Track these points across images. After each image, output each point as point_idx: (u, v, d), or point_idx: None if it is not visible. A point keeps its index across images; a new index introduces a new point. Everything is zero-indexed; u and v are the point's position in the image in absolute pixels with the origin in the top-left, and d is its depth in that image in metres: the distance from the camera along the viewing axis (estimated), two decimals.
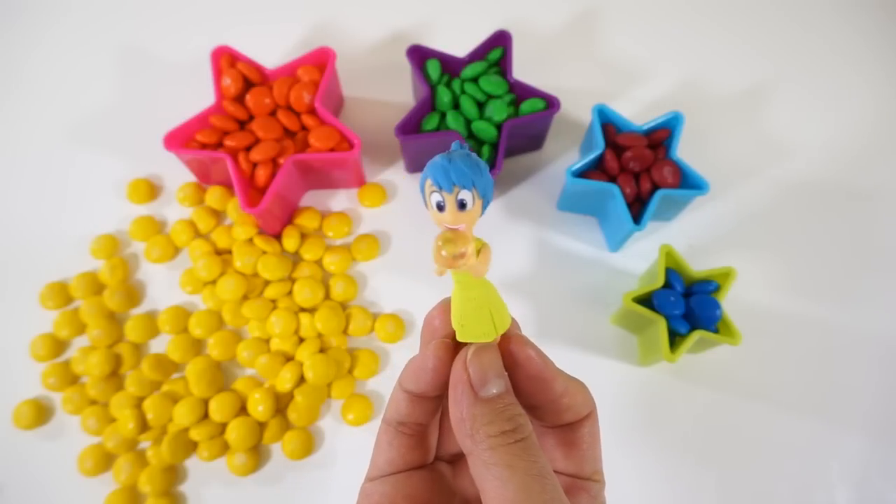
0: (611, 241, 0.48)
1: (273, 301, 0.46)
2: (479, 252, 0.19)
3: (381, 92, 0.54)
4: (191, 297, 0.47)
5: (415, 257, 0.48)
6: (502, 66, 0.48)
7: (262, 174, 0.45)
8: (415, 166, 0.51)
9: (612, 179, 0.46)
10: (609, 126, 0.47)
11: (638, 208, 0.45)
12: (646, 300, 0.43)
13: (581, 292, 0.48)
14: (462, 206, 0.18)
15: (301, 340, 0.46)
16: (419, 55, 0.48)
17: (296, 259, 0.48)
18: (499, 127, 0.46)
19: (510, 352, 0.21)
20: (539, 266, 0.49)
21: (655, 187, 0.45)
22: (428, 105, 0.47)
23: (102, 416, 0.43)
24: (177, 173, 0.49)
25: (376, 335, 0.46)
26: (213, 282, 0.47)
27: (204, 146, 0.46)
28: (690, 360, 0.45)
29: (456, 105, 0.47)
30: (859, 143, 0.53)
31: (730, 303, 0.43)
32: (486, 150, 0.46)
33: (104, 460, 0.43)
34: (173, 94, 0.51)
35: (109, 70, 0.55)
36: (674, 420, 0.45)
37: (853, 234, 0.50)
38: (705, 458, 0.44)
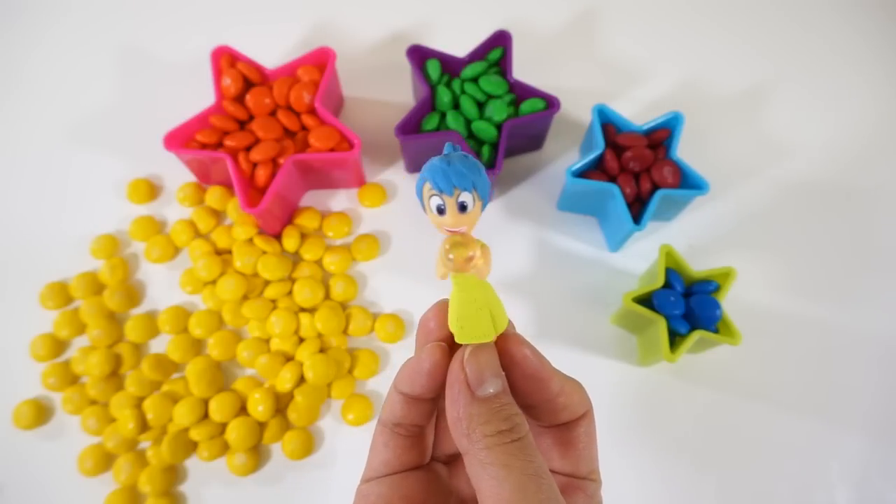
0: (611, 241, 0.48)
1: (273, 301, 0.46)
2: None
3: (381, 92, 0.54)
4: (191, 297, 0.47)
5: (415, 257, 0.48)
6: (502, 66, 0.48)
7: (262, 174, 0.45)
8: (415, 166, 0.51)
9: (612, 179, 0.46)
10: (609, 126, 0.47)
11: (638, 208, 0.45)
12: (646, 300, 0.43)
13: (581, 292, 0.48)
14: (463, 208, 0.18)
15: (301, 340, 0.46)
16: (419, 55, 0.48)
17: (296, 259, 0.48)
18: (499, 127, 0.46)
19: (506, 351, 0.21)
20: (539, 266, 0.49)
21: (655, 187, 0.45)
22: (428, 105, 0.47)
23: (102, 416, 0.43)
24: (177, 173, 0.49)
25: (376, 335, 0.46)
26: (213, 282, 0.47)
27: (204, 146, 0.46)
28: (690, 360, 0.45)
29: (456, 105, 0.47)
30: (859, 143, 0.53)
31: (730, 303, 0.43)
32: (486, 150, 0.46)
33: (104, 460, 0.43)
34: (173, 94, 0.51)
35: (109, 70, 0.55)
36: (674, 420, 0.45)
37: (853, 234, 0.50)
38: (705, 458, 0.44)
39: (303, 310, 0.46)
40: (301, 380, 0.44)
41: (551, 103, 0.46)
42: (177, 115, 0.46)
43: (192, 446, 0.43)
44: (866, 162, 0.52)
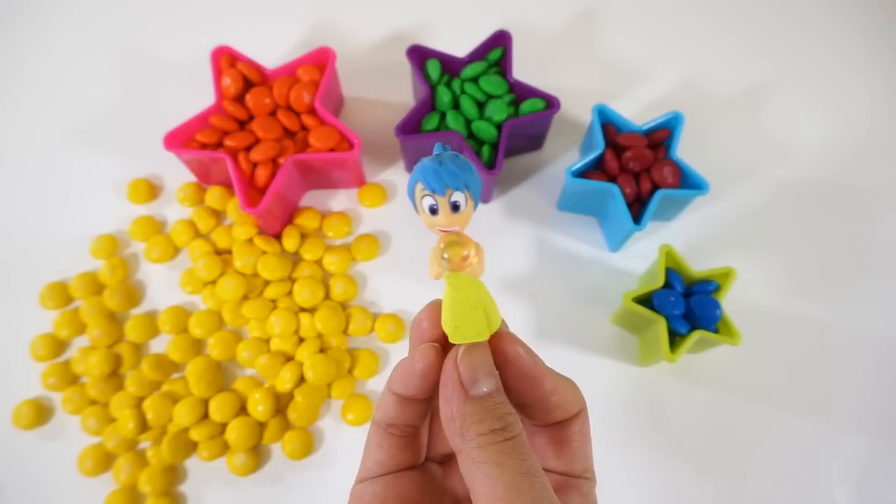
0: (611, 241, 0.48)
1: (273, 301, 0.46)
2: None
3: (381, 92, 0.54)
4: (191, 297, 0.47)
5: (415, 257, 0.48)
6: (502, 66, 0.48)
7: (262, 174, 0.45)
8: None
9: (612, 179, 0.46)
10: (609, 126, 0.47)
11: (638, 208, 0.45)
12: (646, 300, 0.43)
13: (581, 292, 0.48)
14: (455, 208, 0.18)
15: (301, 340, 0.46)
16: (419, 55, 0.48)
17: (296, 259, 0.48)
18: (499, 127, 0.46)
19: (500, 350, 0.21)
20: (539, 266, 0.48)
21: (655, 187, 0.45)
22: (428, 105, 0.47)
23: (102, 416, 0.43)
24: (177, 173, 0.50)
25: (376, 335, 0.46)
26: (213, 282, 0.47)
27: (204, 146, 0.46)
28: (690, 360, 0.45)
29: (456, 105, 0.47)
30: (858, 143, 0.53)
31: (730, 303, 0.43)
32: (486, 150, 0.46)
33: (104, 460, 0.43)
34: (173, 94, 0.51)
35: (109, 70, 0.55)
36: (674, 420, 0.45)
37: (852, 234, 0.50)
38: (705, 458, 0.44)
39: (303, 310, 0.46)
40: (301, 380, 0.44)
41: (551, 103, 0.46)
42: (177, 115, 0.46)
43: (192, 446, 0.43)
44: (865, 162, 0.52)
